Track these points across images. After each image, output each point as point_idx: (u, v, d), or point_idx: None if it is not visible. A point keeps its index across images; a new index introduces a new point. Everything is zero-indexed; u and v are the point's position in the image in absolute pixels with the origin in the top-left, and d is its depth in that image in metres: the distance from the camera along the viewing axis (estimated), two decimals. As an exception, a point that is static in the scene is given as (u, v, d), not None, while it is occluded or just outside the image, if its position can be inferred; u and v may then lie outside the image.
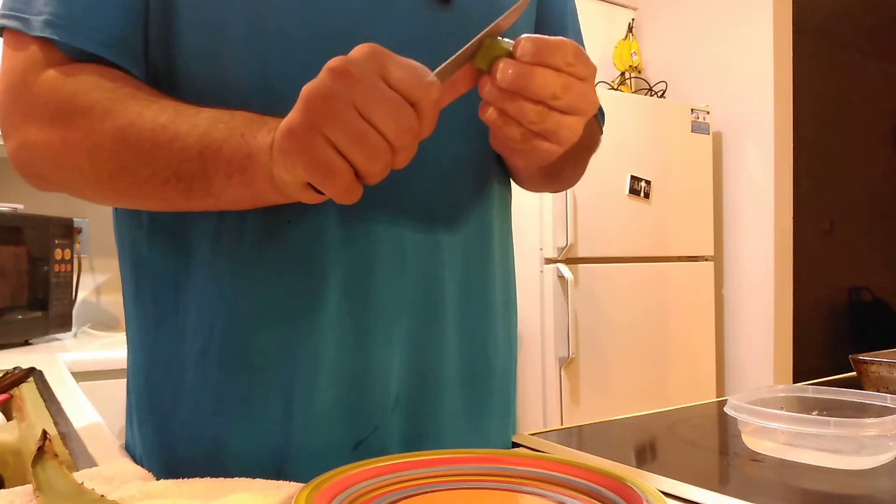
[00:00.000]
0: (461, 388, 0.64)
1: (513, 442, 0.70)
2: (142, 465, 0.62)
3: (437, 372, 0.62)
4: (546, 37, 0.47)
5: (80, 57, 0.54)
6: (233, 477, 0.51)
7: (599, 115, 0.77)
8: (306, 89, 0.45)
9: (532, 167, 0.66)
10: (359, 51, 0.45)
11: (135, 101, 0.53)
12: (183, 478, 0.50)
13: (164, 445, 0.61)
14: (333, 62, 0.45)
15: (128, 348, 0.66)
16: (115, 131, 0.52)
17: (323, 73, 0.45)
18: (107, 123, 0.52)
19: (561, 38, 0.48)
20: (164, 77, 0.58)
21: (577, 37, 0.76)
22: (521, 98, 0.47)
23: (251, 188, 0.50)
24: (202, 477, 0.50)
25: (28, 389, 0.97)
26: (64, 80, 0.54)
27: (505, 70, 0.47)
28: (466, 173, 0.64)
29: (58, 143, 0.54)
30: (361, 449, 0.59)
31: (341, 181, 0.45)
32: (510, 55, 0.48)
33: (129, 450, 0.66)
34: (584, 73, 0.49)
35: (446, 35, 0.60)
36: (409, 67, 0.45)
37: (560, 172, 0.71)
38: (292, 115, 0.46)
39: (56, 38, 0.53)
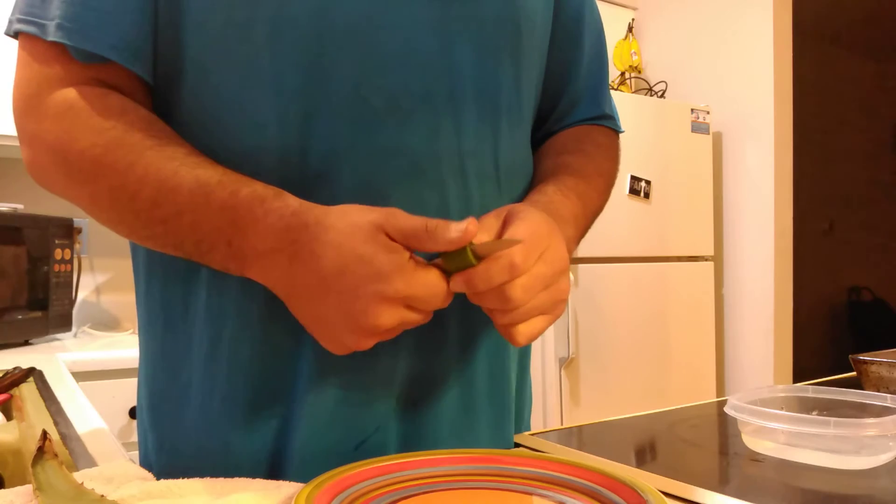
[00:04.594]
0: (460, 389, 0.64)
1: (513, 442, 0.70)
2: (151, 464, 0.62)
3: (438, 372, 0.62)
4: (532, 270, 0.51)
5: (91, 60, 0.55)
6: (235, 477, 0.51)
7: (613, 124, 0.79)
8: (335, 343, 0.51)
9: None
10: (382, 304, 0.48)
11: (128, 157, 0.53)
12: (191, 477, 0.50)
13: (171, 446, 0.61)
14: (359, 329, 0.49)
15: (139, 347, 0.66)
16: (110, 192, 0.54)
17: (354, 336, 0.50)
18: (101, 181, 0.54)
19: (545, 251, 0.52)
20: (174, 81, 0.58)
21: (596, 37, 0.78)
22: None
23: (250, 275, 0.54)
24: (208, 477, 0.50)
25: (28, 389, 0.97)
26: (69, 110, 0.54)
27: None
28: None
29: (62, 176, 0.56)
30: (361, 450, 0.59)
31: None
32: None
33: (141, 447, 0.66)
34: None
35: (459, 27, 0.60)
36: (424, 286, 0.49)
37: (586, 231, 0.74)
38: (327, 341, 0.52)
39: (67, 42, 0.53)
